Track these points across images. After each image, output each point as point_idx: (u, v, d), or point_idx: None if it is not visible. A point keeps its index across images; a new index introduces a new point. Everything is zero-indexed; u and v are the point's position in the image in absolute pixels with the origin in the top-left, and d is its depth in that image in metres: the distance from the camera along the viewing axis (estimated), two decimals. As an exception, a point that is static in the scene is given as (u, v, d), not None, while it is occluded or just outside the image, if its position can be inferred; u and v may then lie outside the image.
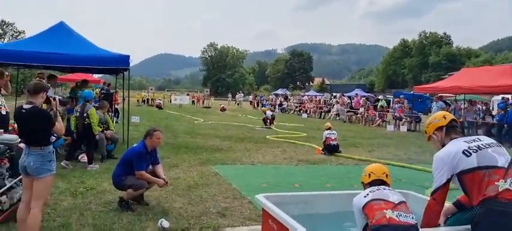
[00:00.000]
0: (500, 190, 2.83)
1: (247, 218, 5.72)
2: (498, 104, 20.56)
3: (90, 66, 10.63)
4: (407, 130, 21.72)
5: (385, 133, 20.17)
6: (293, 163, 10.63)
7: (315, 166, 10.40)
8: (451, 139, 3.19)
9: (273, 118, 21.46)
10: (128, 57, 10.14)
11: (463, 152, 3.00)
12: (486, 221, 2.86)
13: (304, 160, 10.98)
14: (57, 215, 5.55)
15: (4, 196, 5.16)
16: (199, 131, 17.32)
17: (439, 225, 3.16)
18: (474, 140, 3.10)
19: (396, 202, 2.89)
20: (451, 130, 3.28)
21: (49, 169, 4.33)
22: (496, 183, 2.85)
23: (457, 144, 3.09)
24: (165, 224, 5.20)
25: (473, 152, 2.98)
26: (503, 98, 21.24)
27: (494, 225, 2.83)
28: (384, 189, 3.05)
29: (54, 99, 7.06)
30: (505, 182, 2.85)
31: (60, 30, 10.50)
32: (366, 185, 3.21)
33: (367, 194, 3.01)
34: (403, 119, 22.86)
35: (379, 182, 3.19)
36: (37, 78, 5.25)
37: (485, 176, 2.89)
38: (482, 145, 3.04)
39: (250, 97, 52.86)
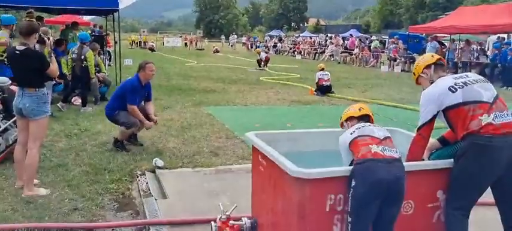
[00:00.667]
0: (483, 124, 2.90)
1: (240, 157, 5.85)
2: (493, 44, 20.51)
3: (77, 7, 10.39)
4: (402, 70, 21.76)
5: (379, 74, 20.22)
6: (286, 103, 10.72)
7: (308, 106, 10.50)
8: (440, 77, 3.24)
9: (267, 59, 21.35)
10: (116, -4, 9.92)
11: (449, 88, 3.05)
12: (469, 154, 2.95)
13: (297, 101, 11.07)
14: (53, 155, 5.65)
15: (-1, 138, 5.23)
16: (192, 74, 17.28)
17: (423, 160, 3.26)
18: (461, 77, 3.15)
19: (381, 138, 2.96)
20: (439, 67, 3.32)
21: (44, 110, 4.38)
22: (479, 117, 2.92)
23: (444, 81, 3.14)
24: (159, 163, 5.32)
25: (459, 88, 3.03)
26: (498, 38, 21.14)
27: (476, 159, 2.92)
28: (370, 125, 3.11)
29: (49, 38, 6.98)
30: (489, 116, 2.91)
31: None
32: (353, 120, 3.26)
33: (353, 131, 3.07)
34: (398, 60, 22.82)
35: (367, 119, 3.24)
36: (28, 19, 5.17)
37: (469, 111, 2.96)
38: (468, 81, 3.08)
39: (244, 39, 52.25)
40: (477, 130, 2.91)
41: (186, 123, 7.83)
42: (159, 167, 5.25)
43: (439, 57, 3.41)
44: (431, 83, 3.26)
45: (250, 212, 3.65)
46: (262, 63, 20.89)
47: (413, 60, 22.43)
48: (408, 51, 23.23)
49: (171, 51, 36.34)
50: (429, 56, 3.44)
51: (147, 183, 4.86)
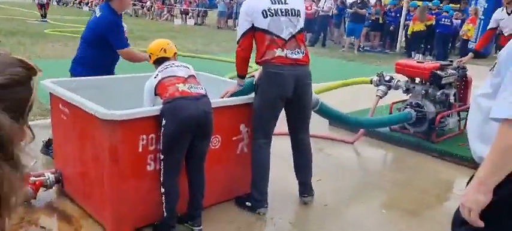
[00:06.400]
0: (276, 55, 3.28)
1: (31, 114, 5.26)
2: None
3: None
4: (195, 24, 22.38)
5: (172, 27, 20.37)
6: (78, 56, 9.97)
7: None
8: None
9: (47, 4, 19.02)
10: None
11: (262, 12, 3.27)
12: (263, 80, 3.36)
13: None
14: None
15: None
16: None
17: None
18: (279, 2, 3.34)
19: (186, 76, 3.06)
20: None
21: None
22: (274, 49, 3.29)
23: (263, 2, 3.31)
24: None
25: (270, 16, 3.29)
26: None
27: (269, 83, 3.32)
28: (172, 66, 3.13)
29: None
30: (282, 51, 3.29)
31: None
32: (154, 65, 3.26)
33: (157, 75, 3.08)
34: (190, 13, 23.35)
35: (163, 59, 3.23)
36: None
37: (269, 40, 3.28)
38: (281, 10, 3.30)
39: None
40: (270, 59, 3.28)
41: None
42: None
43: None
44: None
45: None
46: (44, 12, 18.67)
47: (205, 14, 23.29)
48: (199, 6, 23.91)
49: None
50: None
51: None
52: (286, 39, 3.33)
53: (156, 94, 3.01)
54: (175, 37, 15.72)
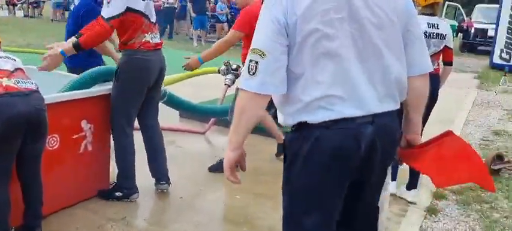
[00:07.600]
0: (143, 40, 3.17)
1: None
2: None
3: None
4: (24, 15, 20.23)
5: (-2, 19, 18.03)
6: None
7: None
8: None
9: None
10: None
11: None
12: (127, 68, 3.20)
13: None
14: None
15: None
16: None
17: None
18: None
19: (12, 70, 2.66)
20: None
21: None
22: (145, 34, 3.18)
23: None
24: None
25: None
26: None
27: (139, 69, 3.21)
28: None
29: None
30: (149, 35, 3.21)
31: None
32: None
33: None
34: (18, 4, 20.99)
35: None
36: None
37: (144, 24, 3.16)
38: None
39: None
40: (136, 46, 3.14)
41: None
42: None
43: None
44: None
45: None
46: None
47: (37, 6, 21.10)
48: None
49: None
50: None
51: None
52: (153, 22, 3.29)
53: None
54: (2, 30, 13.93)
